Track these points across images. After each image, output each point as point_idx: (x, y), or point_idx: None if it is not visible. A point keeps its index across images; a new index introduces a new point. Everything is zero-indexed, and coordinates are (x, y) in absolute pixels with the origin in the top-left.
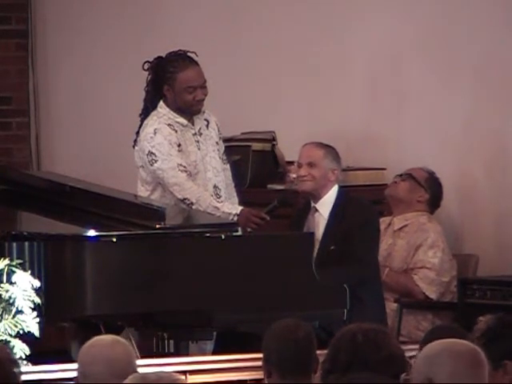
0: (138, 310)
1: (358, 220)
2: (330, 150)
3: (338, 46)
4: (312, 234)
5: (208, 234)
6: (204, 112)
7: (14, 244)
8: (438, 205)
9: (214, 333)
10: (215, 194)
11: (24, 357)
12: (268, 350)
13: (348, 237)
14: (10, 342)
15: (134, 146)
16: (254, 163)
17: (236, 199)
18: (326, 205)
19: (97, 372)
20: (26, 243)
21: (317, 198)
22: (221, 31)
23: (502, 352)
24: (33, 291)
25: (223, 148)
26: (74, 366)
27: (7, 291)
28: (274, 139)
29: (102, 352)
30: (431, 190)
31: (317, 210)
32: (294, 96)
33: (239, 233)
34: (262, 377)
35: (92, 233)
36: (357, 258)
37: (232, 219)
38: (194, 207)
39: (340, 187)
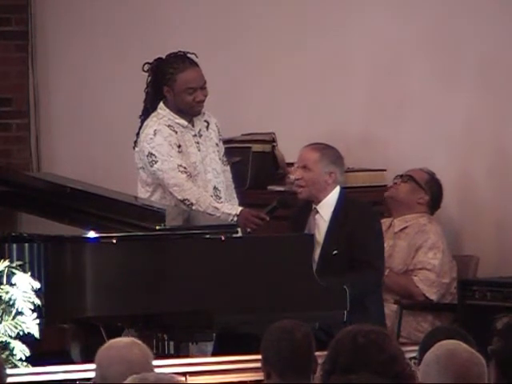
0: (138, 312)
1: (362, 223)
2: (327, 152)
3: (339, 46)
4: (312, 236)
5: (208, 236)
6: (204, 113)
7: (14, 245)
8: (438, 206)
9: (214, 334)
10: (215, 196)
11: (24, 358)
12: (267, 351)
13: (353, 241)
14: (9, 343)
15: (134, 148)
16: (254, 164)
17: (236, 200)
18: (326, 207)
19: (115, 373)
20: (26, 245)
21: (317, 201)
22: (220, 32)
23: None
24: (33, 293)
25: (223, 149)
26: (74, 367)
27: (7, 293)
28: (274, 140)
29: (120, 353)
30: (431, 192)
31: (317, 212)
32: (294, 97)
33: (239, 234)
34: (262, 378)
35: (92, 234)
36: (371, 265)
37: (232, 220)
38: (194, 208)
39: (342, 188)
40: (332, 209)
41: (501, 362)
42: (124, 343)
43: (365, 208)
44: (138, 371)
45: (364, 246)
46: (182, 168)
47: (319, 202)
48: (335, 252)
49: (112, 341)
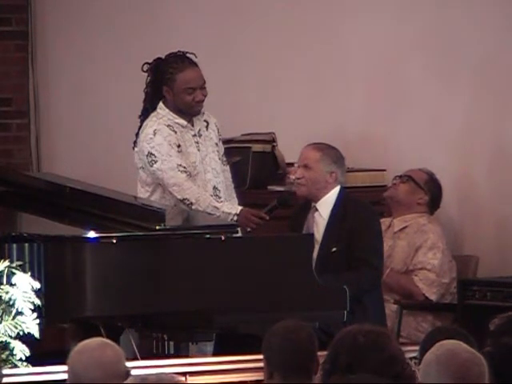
0: (138, 312)
1: (361, 221)
2: (328, 152)
3: (338, 47)
4: (312, 236)
5: (208, 236)
6: (203, 113)
7: (14, 245)
8: (438, 206)
9: (214, 334)
10: (215, 195)
11: (24, 358)
12: (270, 351)
13: (352, 239)
14: (9, 343)
15: (133, 148)
16: (254, 164)
17: (236, 200)
18: (325, 205)
19: (91, 378)
20: (26, 245)
21: (316, 199)
22: (220, 32)
23: None
24: (33, 293)
25: (223, 149)
26: None
27: (7, 293)
28: (274, 140)
29: (94, 357)
30: (431, 192)
31: (317, 210)
32: (294, 97)
33: (239, 234)
34: (262, 378)
35: (92, 234)
36: (368, 263)
37: (232, 219)
38: (193, 207)
39: (343, 188)
40: (331, 207)
41: (493, 363)
42: (95, 345)
43: (364, 207)
44: (112, 372)
45: (362, 244)
46: (181, 168)
47: (318, 200)
48: (334, 249)
49: (83, 343)
